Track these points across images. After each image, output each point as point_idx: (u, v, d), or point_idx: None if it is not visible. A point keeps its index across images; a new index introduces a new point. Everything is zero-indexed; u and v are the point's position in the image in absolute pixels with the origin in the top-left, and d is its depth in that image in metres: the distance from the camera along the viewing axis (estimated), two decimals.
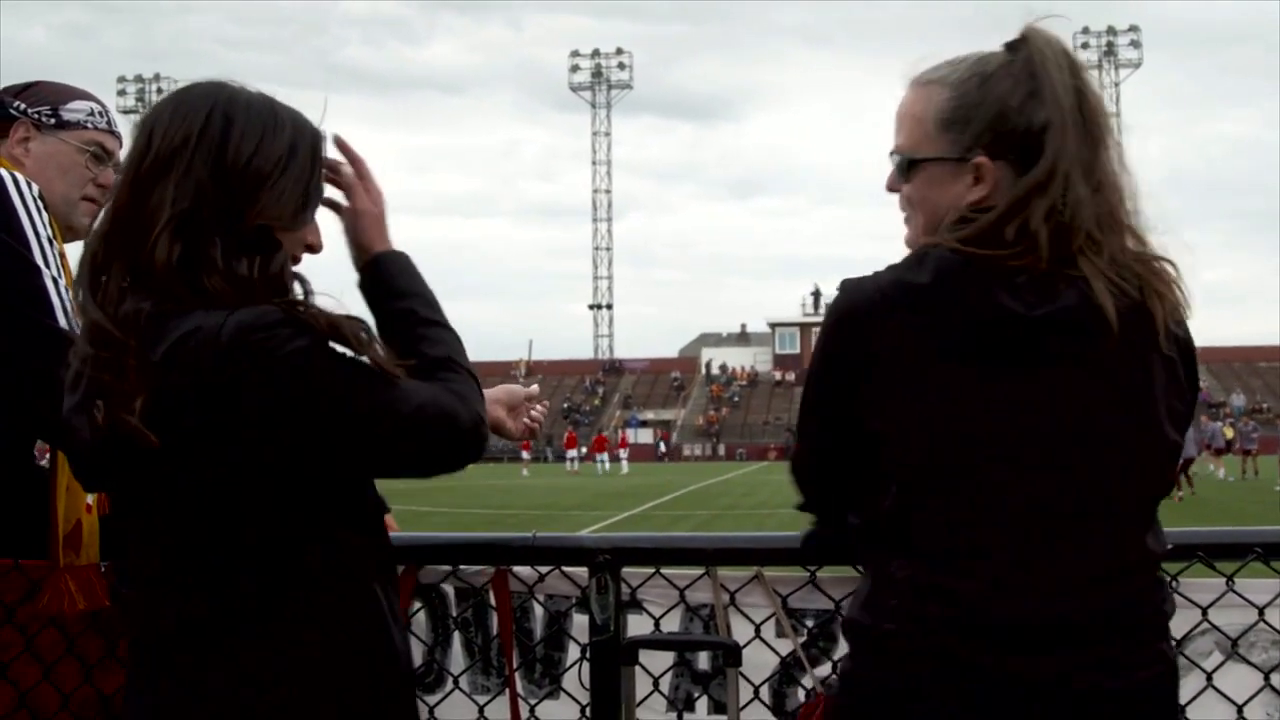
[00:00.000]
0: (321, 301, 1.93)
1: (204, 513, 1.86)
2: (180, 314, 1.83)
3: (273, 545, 1.87)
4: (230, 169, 1.90)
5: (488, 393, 2.41)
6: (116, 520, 1.98)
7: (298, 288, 1.98)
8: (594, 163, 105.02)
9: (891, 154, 2.05)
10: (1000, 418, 1.84)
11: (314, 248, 2.06)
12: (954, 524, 1.85)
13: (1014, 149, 1.92)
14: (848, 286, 1.93)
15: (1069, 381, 1.86)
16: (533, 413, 2.58)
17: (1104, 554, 1.87)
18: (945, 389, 1.84)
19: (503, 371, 77.65)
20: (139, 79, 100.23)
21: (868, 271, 1.93)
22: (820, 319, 2.00)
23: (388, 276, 2.10)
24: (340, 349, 1.86)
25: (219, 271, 1.85)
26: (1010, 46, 1.98)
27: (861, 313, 1.89)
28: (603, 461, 56.23)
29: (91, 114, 2.64)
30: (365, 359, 1.87)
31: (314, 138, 2.02)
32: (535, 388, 2.64)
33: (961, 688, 1.82)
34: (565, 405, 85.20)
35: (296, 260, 2.02)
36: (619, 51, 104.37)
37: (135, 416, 1.80)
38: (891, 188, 2.08)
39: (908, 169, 2.02)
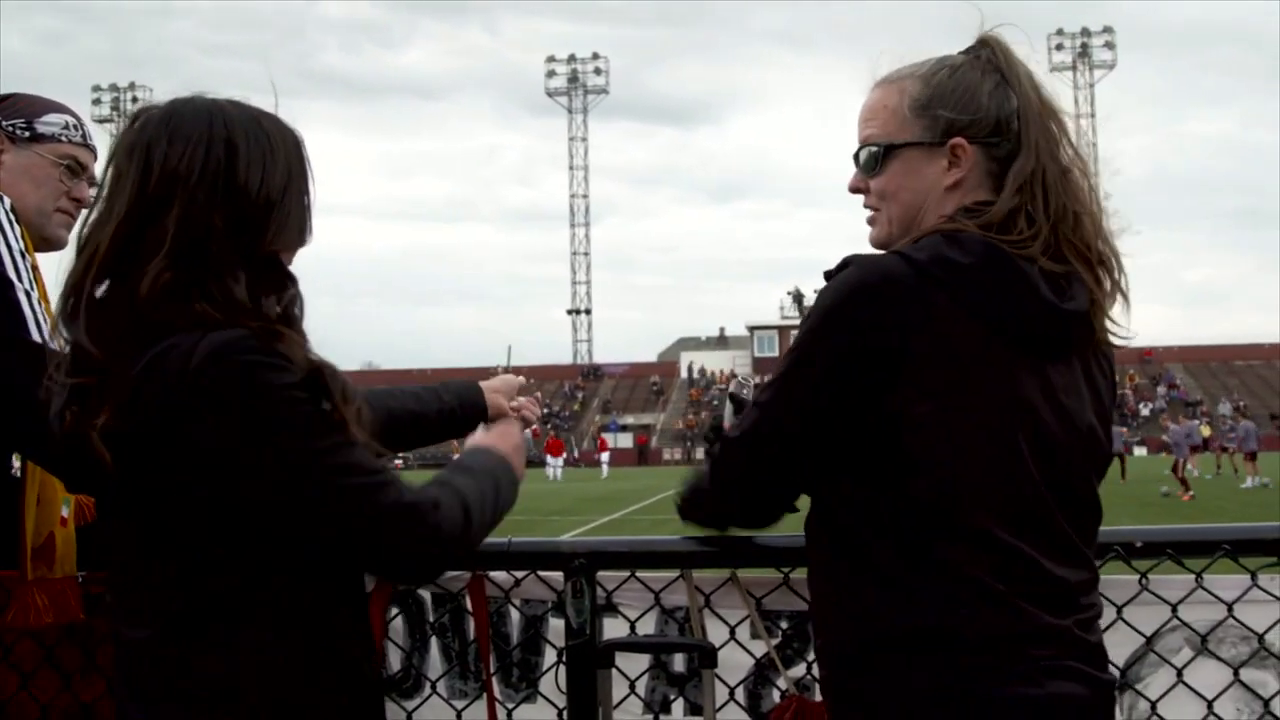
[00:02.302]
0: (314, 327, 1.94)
1: (159, 527, 1.86)
2: (165, 335, 1.82)
3: (218, 564, 1.85)
4: (239, 202, 1.89)
5: (487, 383, 2.51)
6: (99, 526, 1.99)
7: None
8: (571, 168, 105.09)
9: (862, 147, 2.07)
10: (1036, 407, 1.87)
11: None
12: (1000, 513, 1.85)
13: (987, 132, 1.97)
14: (866, 262, 1.88)
15: (1074, 377, 1.94)
16: (530, 405, 2.62)
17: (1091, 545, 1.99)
18: (996, 373, 1.85)
19: (482, 378, 77.22)
20: (114, 87, 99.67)
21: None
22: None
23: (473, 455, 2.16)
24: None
25: (212, 299, 1.84)
26: (969, 50, 2.05)
27: (893, 288, 1.84)
28: (555, 467, 53.13)
29: (66, 127, 2.64)
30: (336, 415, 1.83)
31: (299, 148, 2.02)
32: (521, 378, 2.67)
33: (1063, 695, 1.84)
34: (545, 411, 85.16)
35: None
36: (595, 56, 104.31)
37: (96, 430, 1.81)
38: (856, 187, 2.10)
39: (883, 158, 2.04)
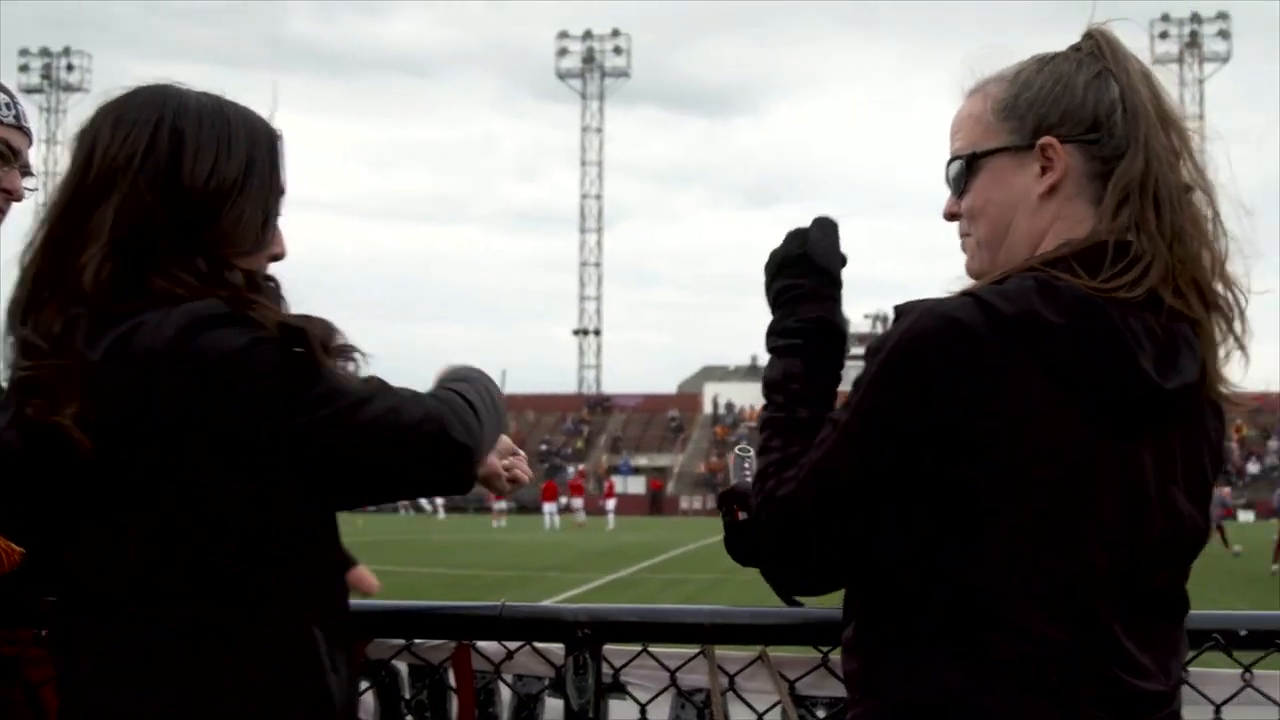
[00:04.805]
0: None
1: (136, 525, 1.94)
2: (121, 316, 1.91)
3: (202, 569, 1.95)
4: (183, 192, 1.99)
5: None
6: (62, 546, 2.05)
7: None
8: (583, 163, 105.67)
9: (949, 163, 2.10)
10: (1118, 493, 1.87)
11: (277, 256, 2.16)
12: (1053, 613, 1.85)
13: (1085, 128, 1.97)
14: (936, 310, 1.86)
15: (1171, 452, 1.93)
16: (523, 464, 2.62)
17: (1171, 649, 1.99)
18: (1073, 451, 1.84)
19: None
20: (45, 52, 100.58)
21: (914, 295, 1.92)
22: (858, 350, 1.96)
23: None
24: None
25: (170, 276, 1.95)
26: (1074, 47, 2.05)
27: (965, 344, 1.82)
28: (551, 514, 53.17)
29: None
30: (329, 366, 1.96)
31: (270, 144, 2.10)
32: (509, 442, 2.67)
33: None
34: (543, 447, 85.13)
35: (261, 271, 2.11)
36: (615, 33, 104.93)
37: (67, 419, 1.88)
38: (949, 213, 2.12)
39: (968, 171, 2.06)
